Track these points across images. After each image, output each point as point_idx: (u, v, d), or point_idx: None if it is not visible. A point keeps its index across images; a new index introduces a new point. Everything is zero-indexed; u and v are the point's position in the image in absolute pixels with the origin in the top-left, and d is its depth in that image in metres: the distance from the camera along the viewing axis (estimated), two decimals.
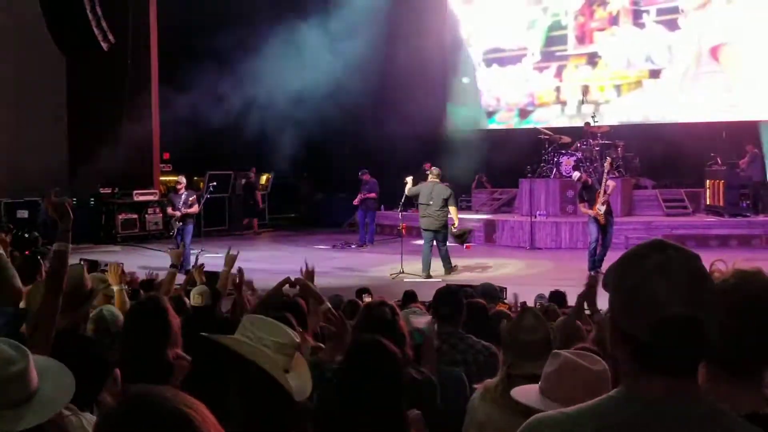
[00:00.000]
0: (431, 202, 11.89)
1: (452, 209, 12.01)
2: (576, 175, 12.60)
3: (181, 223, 12.64)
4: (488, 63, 20.30)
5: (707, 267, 1.71)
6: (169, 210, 13.14)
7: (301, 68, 17.16)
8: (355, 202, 16.30)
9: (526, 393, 2.43)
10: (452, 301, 4.23)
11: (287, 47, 16.79)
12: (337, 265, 13.31)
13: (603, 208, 11.54)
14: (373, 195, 16.15)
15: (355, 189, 16.69)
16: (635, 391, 1.43)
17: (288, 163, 19.63)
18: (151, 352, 3.06)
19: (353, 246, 16.05)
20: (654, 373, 1.41)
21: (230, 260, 5.77)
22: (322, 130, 18.45)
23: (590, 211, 11.65)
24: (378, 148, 18.20)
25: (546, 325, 2.99)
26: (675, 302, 1.38)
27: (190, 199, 12.83)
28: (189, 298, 5.10)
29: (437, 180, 12.12)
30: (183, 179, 13.51)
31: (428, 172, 12.52)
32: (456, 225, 12.27)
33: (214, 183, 15.64)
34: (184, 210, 12.65)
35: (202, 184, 17.90)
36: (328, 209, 20.41)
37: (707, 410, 1.42)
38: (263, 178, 20.94)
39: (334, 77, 17.34)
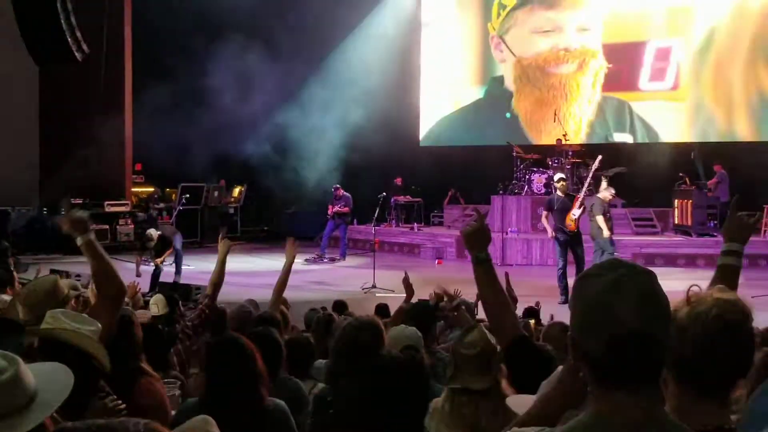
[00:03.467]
0: None
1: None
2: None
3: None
4: None
5: (685, 292, 1.81)
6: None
7: (274, 81, 17.19)
8: (330, 211, 16.26)
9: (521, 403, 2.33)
10: (422, 317, 4.30)
11: (260, 59, 16.84)
12: (310, 279, 13.31)
13: (578, 213, 11.02)
14: (346, 209, 16.18)
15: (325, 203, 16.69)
16: (603, 413, 1.46)
17: (260, 175, 19.62)
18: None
19: (326, 260, 16.06)
20: (616, 391, 1.45)
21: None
22: (294, 143, 18.47)
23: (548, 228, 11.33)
24: (350, 162, 18.24)
25: (490, 341, 2.92)
26: (628, 318, 1.42)
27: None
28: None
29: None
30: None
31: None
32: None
33: (187, 195, 15.59)
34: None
35: (174, 195, 17.83)
36: (300, 223, 20.39)
37: (675, 428, 1.47)
38: (236, 191, 20.88)
39: (307, 90, 17.43)
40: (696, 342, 1.69)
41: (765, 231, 14.84)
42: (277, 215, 21.45)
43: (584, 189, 11.60)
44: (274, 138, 17.60)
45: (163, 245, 11.75)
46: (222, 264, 4.85)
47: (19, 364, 1.77)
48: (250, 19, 17.02)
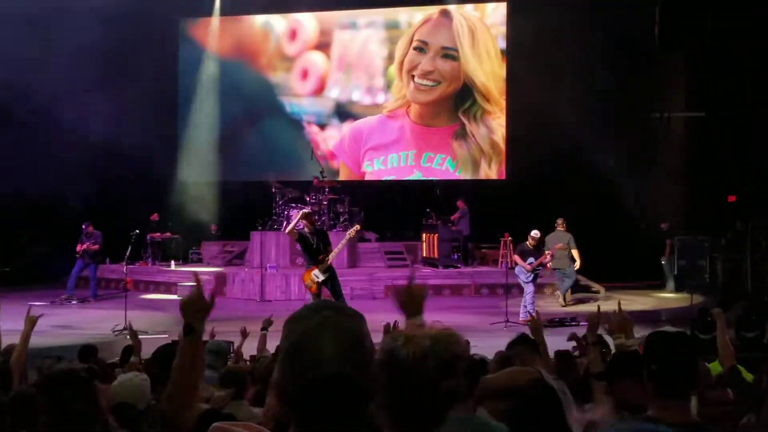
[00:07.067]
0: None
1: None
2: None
3: None
4: None
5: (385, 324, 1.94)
6: None
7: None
8: (78, 249, 15.44)
9: None
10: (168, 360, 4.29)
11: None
12: (55, 323, 12.45)
13: (322, 277, 10.84)
14: (96, 247, 15.42)
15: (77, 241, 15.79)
16: None
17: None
18: None
19: (74, 302, 15.17)
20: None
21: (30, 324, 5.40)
22: (43, 179, 17.26)
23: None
24: (104, 198, 17.43)
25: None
26: (327, 361, 1.42)
27: None
28: None
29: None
30: None
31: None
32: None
33: None
34: None
35: None
36: (48, 263, 19.04)
37: None
38: None
39: (55, 123, 16.46)
40: (420, 377, 1.70)
41: (501, 262, 16.20)
42: (22, 255, 19.84)
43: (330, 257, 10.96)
44: (20, 173, 16.32)
45: None
46: (25, 342, 4.77)
47: None
48: None
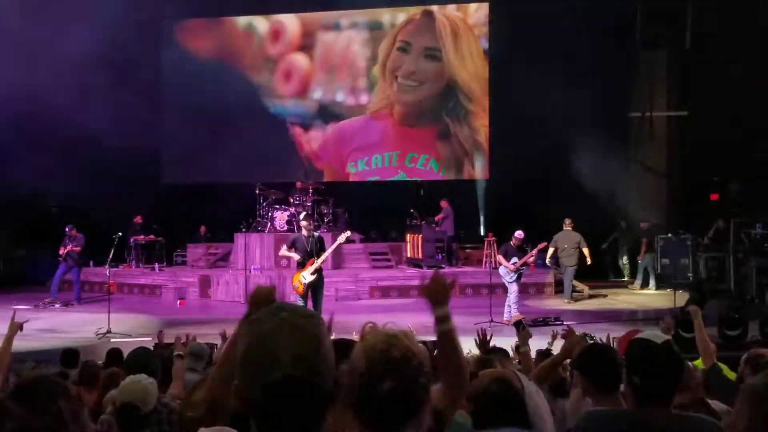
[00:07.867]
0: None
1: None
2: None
3: None
4: None
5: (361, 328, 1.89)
6: None
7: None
8: (61, 251, 15.35)
9: None
10: (144, 364, 4.34)
11: None
12: (39, 327, 12.35)
13: (310, 278, 10.96)
14: (78, 249, 15.33)
15: (60, 244, 15.69)
16: None
17: None
18: None
19: (57, 305, 15.07)
20: None
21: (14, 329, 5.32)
22: (24, 180, 17.15)
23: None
24: (87, 200, 17.32)
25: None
26: (284, 364, 1.41)
27: None
28: None
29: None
30: None
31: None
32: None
33: None
34: None
35: None
36: (30, 266, 18.93)
37: None
38: None
39: (37, 125, 16.36)
40: (363, 376, 1.66)
41: (485, 262, 16.25)
42: (4, 258, 19.72)
43: (319, 261, 11.08)
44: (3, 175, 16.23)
45: None
46: (7, 347, 4.82)
47: None
48: None
